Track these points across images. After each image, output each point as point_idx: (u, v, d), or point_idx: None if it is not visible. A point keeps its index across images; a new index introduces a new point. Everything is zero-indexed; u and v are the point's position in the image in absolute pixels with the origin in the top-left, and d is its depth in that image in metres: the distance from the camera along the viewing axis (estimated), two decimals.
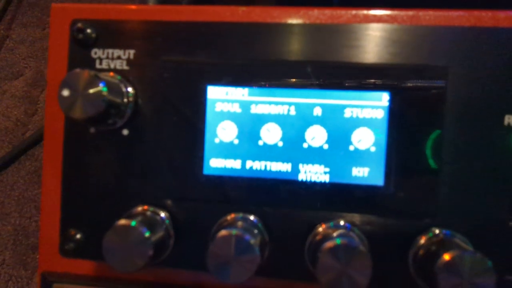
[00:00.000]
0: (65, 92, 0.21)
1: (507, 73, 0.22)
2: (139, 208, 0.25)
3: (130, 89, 0.25)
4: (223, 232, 0.21)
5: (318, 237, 0.23)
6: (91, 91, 0.22)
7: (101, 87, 0.22)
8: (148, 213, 0.24)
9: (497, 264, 0.20)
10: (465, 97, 0.23)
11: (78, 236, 0.25)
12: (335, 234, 0.22)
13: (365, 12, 0.24)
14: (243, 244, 0.21)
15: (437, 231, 0.23)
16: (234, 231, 0.21)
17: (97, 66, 0.25)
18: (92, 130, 0.25)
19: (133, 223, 0.22)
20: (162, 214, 0.25)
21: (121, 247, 0.22)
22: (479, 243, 0.23)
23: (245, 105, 0.25)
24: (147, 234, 0.22)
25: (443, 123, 0.23)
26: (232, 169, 0.25)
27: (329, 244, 0.21)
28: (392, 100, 0.24)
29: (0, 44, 0.60)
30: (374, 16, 0.24)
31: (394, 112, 0.24)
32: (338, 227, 0.24)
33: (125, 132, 0.25)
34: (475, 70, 0.23)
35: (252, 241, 0.21)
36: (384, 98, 0.24)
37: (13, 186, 0.54)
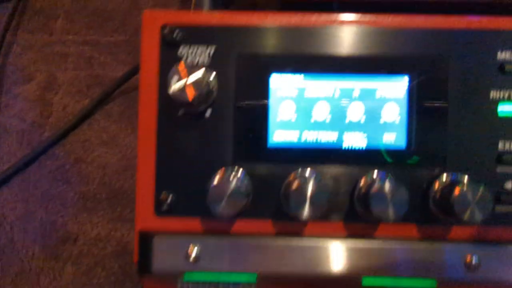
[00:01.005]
0: (174, 81, 0.28)
1: (489, 61, 0.32)
2: (221, 171, 0.31)
3: (212, 78, 0.31)
4: (297, 181, 0.29)
5: (363, 188, 0.31)
6: (194, 78, 0.28)
7: (200, 74, 0.28)
8: (231, 173, 0.31)
9: None
10: (462, 78, 0.32)
11: (171, 197, 0.31)
12: (378, 180, 0.30)
13: (386, 18, 0.33)
14: (317, 187, 0.28)
15: (447, 175, 0.32)
16: (308, 176, 0.29)
17: (184, 60, 0.32)
18: (181, 112, 0.32)
19: (228, 178, 0.29)
20: (241, 175, 0.31)
21: (222, 197, 0.28)
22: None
23: (301, 90, 0.33)
24: (239, 187, 0.28)
25: (447, 98, 0.32)
26: (290, 141, 0.33)
27: (377, 186, 0.29)
28: (410, 82, 0.33)
29: (8, 50, 0.61)
30: (395, 20, 0.33)
31: (412, 91, 0.33)
32: (377, 176, 0.32)
33: (208, 113, 0.32)
34: (469, 59, 0.32)
35: (321, 185, 0.28)
36: (404, 80, 0.33)
37: (36, 184, 0.56)
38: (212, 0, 0.35)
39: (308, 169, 0.32)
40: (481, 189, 0.29)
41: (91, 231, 0.53)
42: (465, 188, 0.29)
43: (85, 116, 0.57)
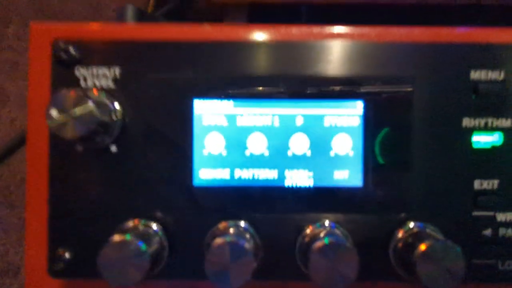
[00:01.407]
0: (54, 113, 0.21)
1: (461, 82, 0.26)
2: (130, 222, 0.25)
3: (117, 106, 0.25)
4: (218, 240, 0.22)
5: (306, 239, 0.25)
6: (81, 110, 0.22)
7: (90, 106, 0.22)
8: (140, 226, 0.25)
9: (464, 249, 0.23)
10: (429, 104, 0.26)
11: (67, 255, 0.25)
12: (322, 234, 0.24)
13: (340, 29, 0.27)
14: (238, 249, 0.22)
15: (412, 224, 0.26)
16: (228, 238, 0.23)
17: (82, 84, 0.25)
18: (80, 148, 0.25)
19: (128, 237, 0.22)
20: (155, 227, 0.25)
21: (117, 262, 0.22)
22: (448, 231, 0.26)
23: (231, 118, 0.27)
24: (143, 247, 0.22)
25: (411, 127, 0.26)
26: (221, 179, 0.27)
27: (318, 244, 0.23)
28: (366, 108, 0.26)
29: None
30: (346, 33, 0.26)
31: (368, 119, 0.26)
32: (324, 227, 0.25)
33: (114, 148, 0.26)
34: (436, 79, 0.26)
35: (246, 246, 0.22)
36: (358, 106, 0.26)
37: None
38: (138, 11, 0.29)
39: (242, 222, 0.25)
40: (451, 249, 0.22)
41: None
42: (430, 247, 0.22)
43: None
